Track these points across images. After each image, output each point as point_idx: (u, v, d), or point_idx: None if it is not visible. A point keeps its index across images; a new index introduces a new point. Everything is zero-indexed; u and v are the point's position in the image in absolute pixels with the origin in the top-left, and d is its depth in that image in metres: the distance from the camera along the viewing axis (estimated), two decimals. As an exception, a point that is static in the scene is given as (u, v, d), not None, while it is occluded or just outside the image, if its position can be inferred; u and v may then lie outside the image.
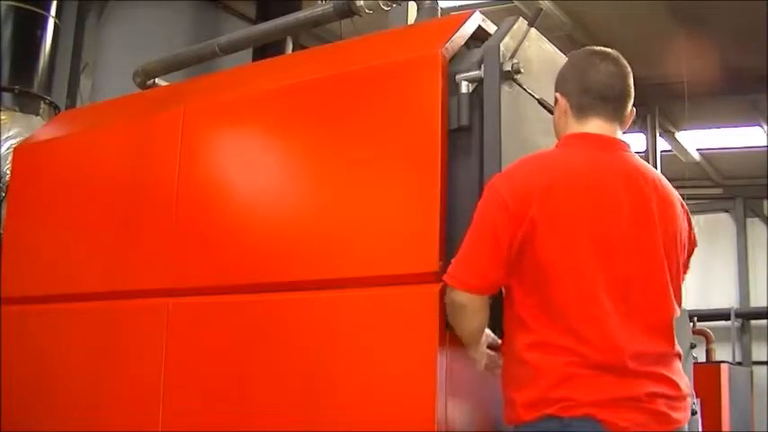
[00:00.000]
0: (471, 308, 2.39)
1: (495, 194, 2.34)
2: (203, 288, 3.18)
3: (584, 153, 2.39)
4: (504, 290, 2.44)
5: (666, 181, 2.51)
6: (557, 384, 2.20)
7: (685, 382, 2.36)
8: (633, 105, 2.51)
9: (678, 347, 2.38)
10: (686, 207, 2.53)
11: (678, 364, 2.36)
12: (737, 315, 14.31)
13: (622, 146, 2.46)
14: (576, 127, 2.46)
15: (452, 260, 2.41)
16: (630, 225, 2.32)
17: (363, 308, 2.75)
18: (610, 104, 2.43)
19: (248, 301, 3.04)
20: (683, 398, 2.32)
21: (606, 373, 2.20)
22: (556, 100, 2.55)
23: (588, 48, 2.54)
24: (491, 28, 2.97)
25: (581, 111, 2.44)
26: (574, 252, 2.27)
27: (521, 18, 2.87)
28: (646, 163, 2.51)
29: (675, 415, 2.28)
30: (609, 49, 2.49)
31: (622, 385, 2.20)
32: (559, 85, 2.52)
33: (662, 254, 2.36)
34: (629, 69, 2.46)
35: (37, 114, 5.83)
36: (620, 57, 2.47)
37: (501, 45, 2.72)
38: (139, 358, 3.30)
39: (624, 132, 2.50)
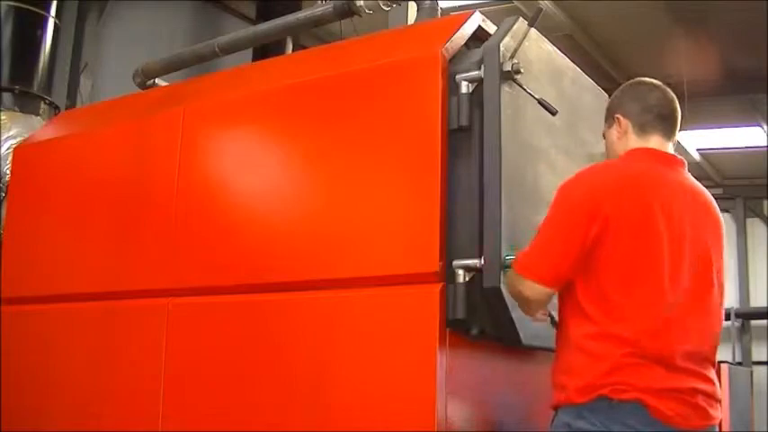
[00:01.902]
0: (536, 302, 2.49)
1: (569, 195, 2.46)
2: (203, 288, 3.18)
3: (648, 164, 2.53)
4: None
5: (715, 202, 2.65)
6: (610, 371, 2.31)
7: (718, 386, 2.48)
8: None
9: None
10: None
11: (713, 371, 2.48)
12: (737, 315, 14.30)
13: (681, 163, 2.61)
14: (638, 143, 2.58)
15: (521, 253, 2.49)
16: (692, 234, 2.46)
17: (364, 308, 2.75)
18: (667, 123, 2.60)
19: (248, 301, 3.04)
20: (717, 399, 2.45)
21: (657, 364, 2.32)
22: (612, 122, 2.65)
23: (644, 80, 2.71)
24: (491, 28, 2.97)
25: (643, 129, 2.58)
26: (644, 250, 2.38)
27: (521, 18, 2.87)
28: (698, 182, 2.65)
29: (712, 412, 2.41)
30: (662, 86, 2.69)
31: (670, 378, 2.33)
32: (617, 108, 2.65)
33: (713, 268, 2.51)
34: (677, 102, 2.67)
35: (37, 114, 5.82)
36: (670, 93, 2.69)
37: (501, 45, 2.72)
38: (139, 358, 3.30)
39: None
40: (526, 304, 2.51)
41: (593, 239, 2.37)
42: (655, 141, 2.58)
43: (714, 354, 2.50)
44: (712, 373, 2.46)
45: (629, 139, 2.60)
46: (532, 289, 2.44)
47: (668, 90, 2.66)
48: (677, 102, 2.66)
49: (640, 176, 2.47)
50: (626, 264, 2.37)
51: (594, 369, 2.33)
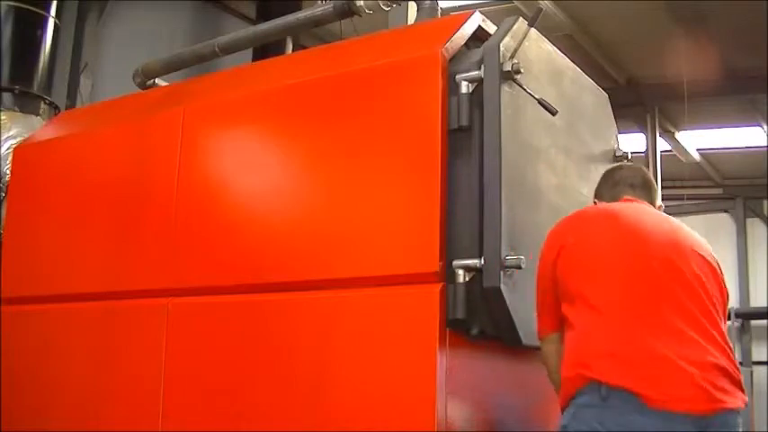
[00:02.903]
0: (555, 349, 2.58)
1: (544, 245, 2.63)
2: (203, 288, 3.18)
3: (621, 204, 2.73)
4: None
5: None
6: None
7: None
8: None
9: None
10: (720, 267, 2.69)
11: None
12: (737, 315, 14.31)
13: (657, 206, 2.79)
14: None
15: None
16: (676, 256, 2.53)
17: (364, 308, 2.75)
18: (638, 190, 2.76)
19: (248, 301, 3.04)
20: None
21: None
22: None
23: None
24: (491, 28, 2.97)
25: (613, 198, 2.75)
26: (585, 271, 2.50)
27: (521, 18, 2.87)
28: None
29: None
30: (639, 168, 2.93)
31: None
32: (594, 197, 2.87)
33: (710, 295, 2.51)
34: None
35: (37, 114, 5.82)
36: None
37: (501, 45, 2.72)
38: (139, 358, 3.30)
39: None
40: (552, 357, 2.59)
41: (553, 267, 2.55)
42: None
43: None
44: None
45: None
46: (546, 342, 2.61)
47: (640, 167, 2.93)
48: (649, 174, 2.87)
49: (605, 210, 2.68)
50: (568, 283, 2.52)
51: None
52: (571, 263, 2.52)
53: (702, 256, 2.57)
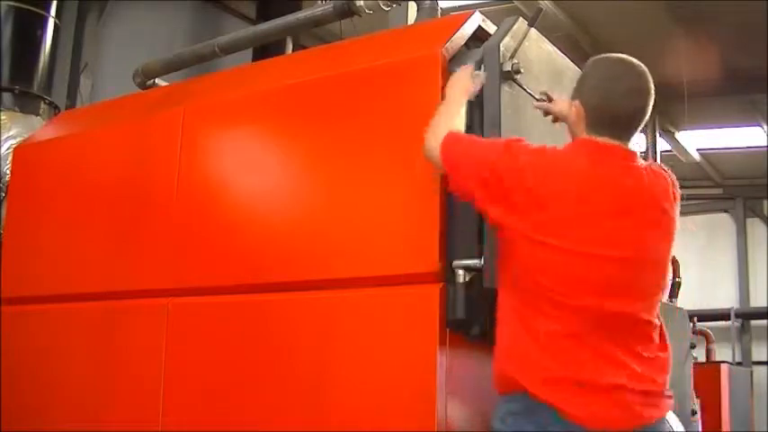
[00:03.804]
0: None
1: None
2: (203, 288, 3.18)
3: (586, 161, 2.39)
4: None
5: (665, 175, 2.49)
6: None
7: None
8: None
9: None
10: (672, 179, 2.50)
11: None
12: (737, 315, 14.29)
13: (626, 156, 2.43)
14: (584, 136, 2.45)
15: None
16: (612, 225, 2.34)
17: (363, 308, 2.75)
18: (624, 130, 2.43)
19: (248, 301, 3.04)
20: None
21: None
22: (574, 99, 2.51)
23: (616, 60, 2.49)
24: (491, 28, 2.97)
25: (592, 128, 2.43)
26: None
27: (521, 18, 2.87)
28: (647, 164, 2.50)
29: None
30: (637, 66, 2.45)
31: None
32: (578, 93, 2.48)
33: (648, 252, 2.38)
34: (653, 93, 2.43)
35: (37, 114, 5.82)
36: (648, 78, 2.44)
37: (501, 45, 2.72)
38: (139, 358, 3.30)
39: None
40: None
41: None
42: (603, 140, 2.41)
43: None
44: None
45: (581, 128, 2.46)
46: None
47: (643, 91, 2.42)
48: (650, 100, 2.43)
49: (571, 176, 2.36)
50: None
51: None
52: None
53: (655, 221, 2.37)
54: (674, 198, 2.47)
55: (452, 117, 2.57)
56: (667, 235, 2.43)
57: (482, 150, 2.46)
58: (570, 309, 2.29)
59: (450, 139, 2.49)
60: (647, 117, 2.45)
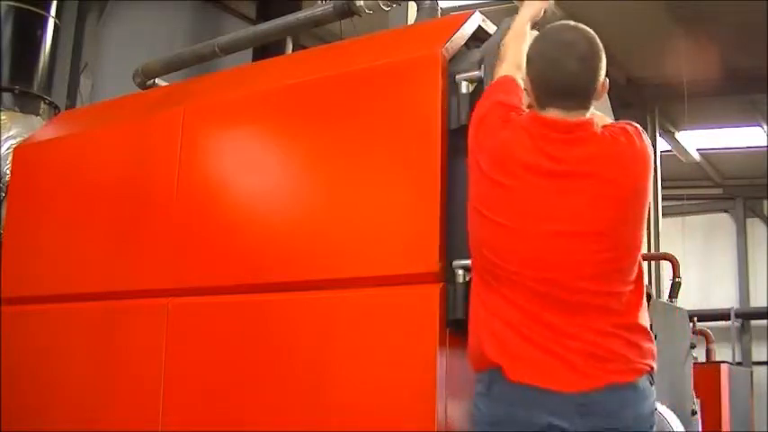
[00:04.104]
0: None
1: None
2: (203, 288, 3.18)
3: (527, 137, 2.37)
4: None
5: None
6: None
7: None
8: (607, 81, 2.42)
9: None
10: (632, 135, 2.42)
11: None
12: (737, 315, 14.31)
13: (569, 128, 2.37)
14: (536, 109, 2.41)
15: None
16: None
17: (363, 308, 2.75)
18: (570, 101, 2.37)
19: (248, 301, 3.04)
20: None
21: None
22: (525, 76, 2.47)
23: (558, 30, 2.44)
24: (491, 28, 2.97)
25: (539, 102, 2.40)
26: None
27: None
28: (607, 130, 2.43)
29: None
30: (580, 35, 2.39)
31: None
32: (527, 68, 2.44)
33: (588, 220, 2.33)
34: (598, 56, 2.37)
35: (37, 114, 5.82)
36: (592, 44, 2.37)
37: (501, 45, 2.71)
38: (139, 358, 3.30)
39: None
40: None
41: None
42: (552, 114, 2.36)
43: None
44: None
45: (531, 101, 2.43)
46: None
47: (586, 58, 2.35)
48: (598, 67, 2.36)
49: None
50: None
51: None
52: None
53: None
54: (634, 168, 2.39)
55: (512, 57, 2.58)
56: (619, 208, 2.36)
57: (473, 120, 2.50)
58: (510, 280, 2.31)
59: (487, 91, 2.54)
60: (596, 80, 2.37)
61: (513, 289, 2.32)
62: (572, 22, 2.45)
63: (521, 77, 2.50)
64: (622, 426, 2.25)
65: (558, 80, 2.36)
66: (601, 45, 2.39)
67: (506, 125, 2.40)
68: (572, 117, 2.37)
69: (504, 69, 2.57)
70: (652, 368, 2.34)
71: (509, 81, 2.53)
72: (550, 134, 2.35)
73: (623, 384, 2.27)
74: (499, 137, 2.39)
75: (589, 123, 2.38)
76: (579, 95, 2.38)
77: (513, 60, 2.57)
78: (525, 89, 2.47)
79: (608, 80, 2.43)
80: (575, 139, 2.36)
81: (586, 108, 2.41)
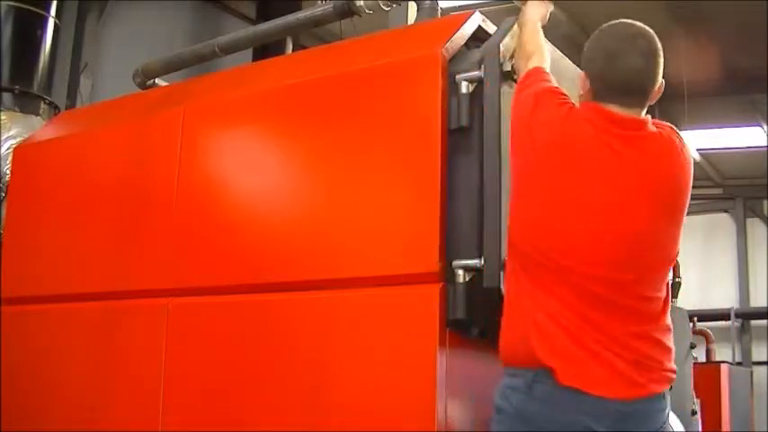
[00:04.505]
0: None
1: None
2: (203, 288, 3.18)
3: (591, 128, 2.36)
4: None
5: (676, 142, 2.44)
6: None
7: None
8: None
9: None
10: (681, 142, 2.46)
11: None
12: (737, 315, 14.30)
13: (633, 125, 2.38)
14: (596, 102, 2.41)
15: None
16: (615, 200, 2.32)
17: (363, 308, 2.75)
18: (631, 97, 2.38)
19: (248, 301, 3.04)
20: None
21: None
22: (581, 72, 2.48)
23: (621, 27, 2.46)
24: (491, 28, 2.97)
25: (599, 97, 2.40)
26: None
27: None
28: (662, 131, 2.45)
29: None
30: (642, 31, 2.42)
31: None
32: (585, 63, 2.47)
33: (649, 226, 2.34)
34: (659, 53, 2.39)
35: (37, 114, 5.83)
36: (653, 41, 2.40)
37: (501, 45, 2.72)
38: (139, 358, 3.30)
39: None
40: None
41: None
42: (612, 107, 2.37)
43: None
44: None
45: (589, 98, 2.44)
46: None
47: (649, 56, 2.37)
48: (658, 67, 2.38)
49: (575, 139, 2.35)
50: None
51: None
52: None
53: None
54: (685, 170, 2.42)
55: (538, 50, 2.62)
56: (670, 210, 2.38)
57: (523, 103, 2.47)
58: (557, 273, 2.29)
59: (529, 77, 2.52)
60: (656, 79, 2.39)
61: (561, 283, 2.29)
62: (629, 20, 2.47)
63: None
64: (653, 429, 2.31)
65: (621, 75, 2.36)
66: (660, 45, 2.39)
67: (566, 111, 2.38)
68: (631, 114, 2.37)
69: (534, 61, 2.56)
70: (675, 371, 2.39)
71: (545, 72, 2.54)
72: (613, 129, 2.34)
73: (660, 393, 2.33)
74: (560, 119, 2.36)
75: (647, 122, 2.40)
76: (640, 92, 2.38)
77: (540, 53, 2.59)
78: (581, 87, 2.47)
79: (664, 82, 2.43)
80: (636, 137, 2.36)
81: (643, 107, 2.41)
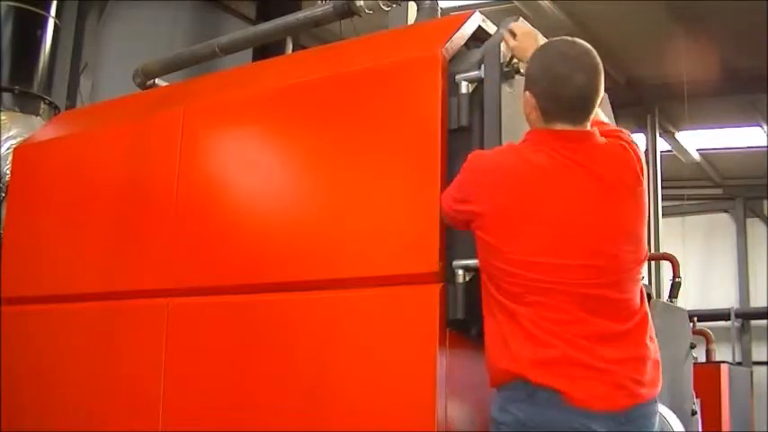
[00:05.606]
0: None
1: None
2: (203, 288, 3.18)
3: (547, 149, 2.42)
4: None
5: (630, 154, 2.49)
6: None
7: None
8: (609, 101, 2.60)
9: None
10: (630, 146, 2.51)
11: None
12: (737, 315, 14.31)
13: (583, 138, 2.45)
14: (541, 125, 2.45)
15: None
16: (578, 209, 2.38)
17: (363, 308, 2.75)
18: (578, 114, 2.44)
19: (248, 301, 3.04)
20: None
21: None
22: (525, 91, 2.50)
23: (559, 45, 2.48)
24: (491, 28, 2.97)
25: (546, 115, 2.44)
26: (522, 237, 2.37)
27: (521, 18, 2.87)
28: (606, 140, 2.50)
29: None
30: (585, 49, 2.46)
31: None
32: (530, 84, 2.47)
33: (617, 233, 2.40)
34: (600, 68, 2.45)
35: (37, 114, 5.82)
36: (594, 57, 2.45)
37: (501, 45, 2.72)
38: (139, 358, 3.30)
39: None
40: None
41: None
42: (558, 126, 2.43)
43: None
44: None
45: (536, 118, 2.46)
46: None
47: (591, 72, 2.42)
48: (600, 81, 2.44)
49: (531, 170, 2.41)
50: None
51: None
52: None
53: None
54: (640, 171, 2.49)
55: None
56: (635, 209, 2.46)
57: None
58: (543, 288, 2.32)
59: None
60: (600, 92, 2.46)
61: (549, 296, 2.32)
62: (568, 38, 2.51)
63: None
64: (651, 428, 2.38)
65: (570, 94, 2.41)
66: (599, 59, 2.47)
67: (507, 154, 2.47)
68: (579, 128, 2.44)
69: None
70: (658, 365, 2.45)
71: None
72: (568, 144, 2.42)
73: (656, 396, 2.40)
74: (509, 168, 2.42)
75: (594, 133, 2.48)
76: (587, 108, 2.44)
77: None
78: (524, 107, 2.49)
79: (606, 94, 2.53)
80: (589, 147, 2.44)
81: (590, 119, 2.48)
